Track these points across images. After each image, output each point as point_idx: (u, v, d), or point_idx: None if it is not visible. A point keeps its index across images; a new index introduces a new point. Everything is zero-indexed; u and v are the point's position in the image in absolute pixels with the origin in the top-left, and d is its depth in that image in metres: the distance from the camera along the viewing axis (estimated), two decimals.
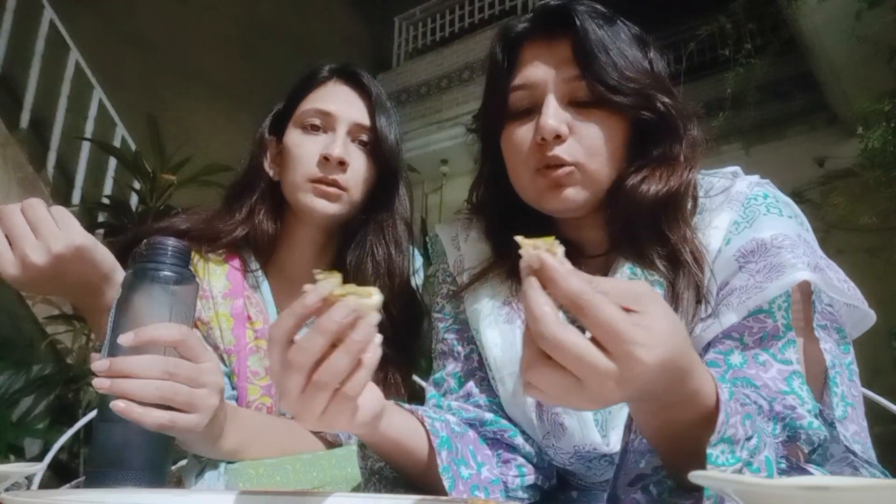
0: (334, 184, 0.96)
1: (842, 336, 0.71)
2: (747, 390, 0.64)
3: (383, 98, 1.03)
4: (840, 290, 0.66)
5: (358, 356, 0.47)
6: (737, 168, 0.80)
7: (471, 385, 0.82)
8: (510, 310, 0.81)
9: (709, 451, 0.49)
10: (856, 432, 0.64)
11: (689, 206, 0.75)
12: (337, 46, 6.88)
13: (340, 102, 1.00)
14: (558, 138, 0.72)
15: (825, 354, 0.66)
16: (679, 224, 0.73)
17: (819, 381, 0.67)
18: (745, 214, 0.72)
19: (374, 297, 0.48)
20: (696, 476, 0.38)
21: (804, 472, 0.59)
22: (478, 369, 0.83)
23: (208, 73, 5.87)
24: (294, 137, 1.00)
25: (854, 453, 0.63)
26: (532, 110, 0.76)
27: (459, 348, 0.85)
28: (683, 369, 0.46)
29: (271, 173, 1.03)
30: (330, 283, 0.47)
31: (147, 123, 4.00)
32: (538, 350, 0.42)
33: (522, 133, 0.76)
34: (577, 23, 0.72)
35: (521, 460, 0.76)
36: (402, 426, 0.64)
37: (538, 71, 0.75)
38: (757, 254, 0.68)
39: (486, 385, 0.81)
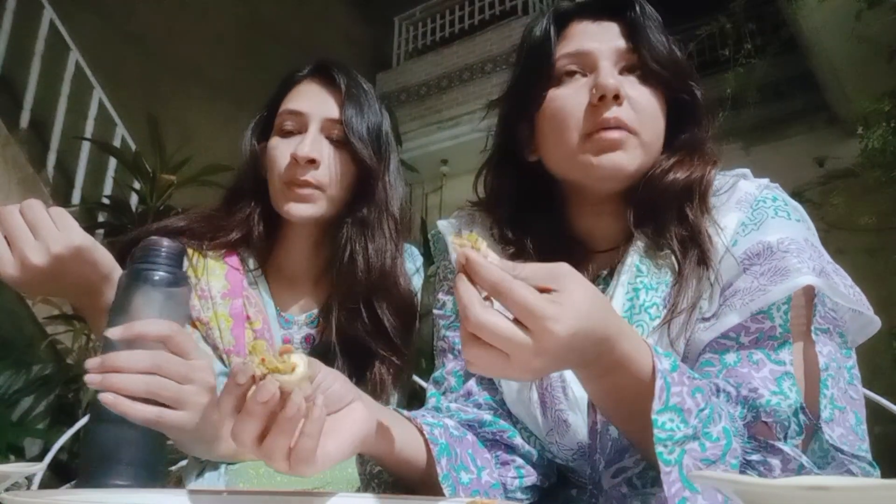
0: (307, 184, 0.95)
1: (843, 340, 0.70)
2: (716, 379, 0.65)
3: (354, 90, 1.00)
4: (845, 295, 0.66)
5: (293, 429, 0.48)
6: (746, 170, 0.80)
7: (471, 384, 0.82)
8: None
9: (654, 417, 0.53)
10: (842, 434, 0.64)
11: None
12: (337, 46, 6.88)
13: (310, 100, 0.99)
14: (617, 98, 0.73)
15: (819, 357, 0.66)
16: (700, 208, 0.75)
17: (818, 383, 0.68)
18: (753, 216, 0.72)
19: (297, 369, 0.47)
20: (695, 476, 0.38)
21: (774, 449, 0.60)
22: None
23: (208, 73, 5.87)
24: (272, 143, 1.00)
25: (840, 451, 0.63)
26: (581, 77, 0.77)
27: (460, 346, 0.85)
28: (606, 337, 0.51)
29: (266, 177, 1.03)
30: (252, 362, 0.47)
31: (147, 123, 4.00)
32: (469, 332, 0.49)
33: (573, 96, 0.76)
34: (637, 4, 0.77)
35: (519, 461, 0.76)
36: (399, 436, 0.63)
37: (590, 42, 0.77)
38: (762, 256, 0.68)
39: (487, 383, 0.81)
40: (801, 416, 0.63)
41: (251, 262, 1.03)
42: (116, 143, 4.56)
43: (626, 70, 0.77)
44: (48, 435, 3.41)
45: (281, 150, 0.97)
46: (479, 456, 0.71)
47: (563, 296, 0.48)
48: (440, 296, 0.90)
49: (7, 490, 0.47)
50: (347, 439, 0.53)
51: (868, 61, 3.71)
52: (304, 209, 0.96)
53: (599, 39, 0.77)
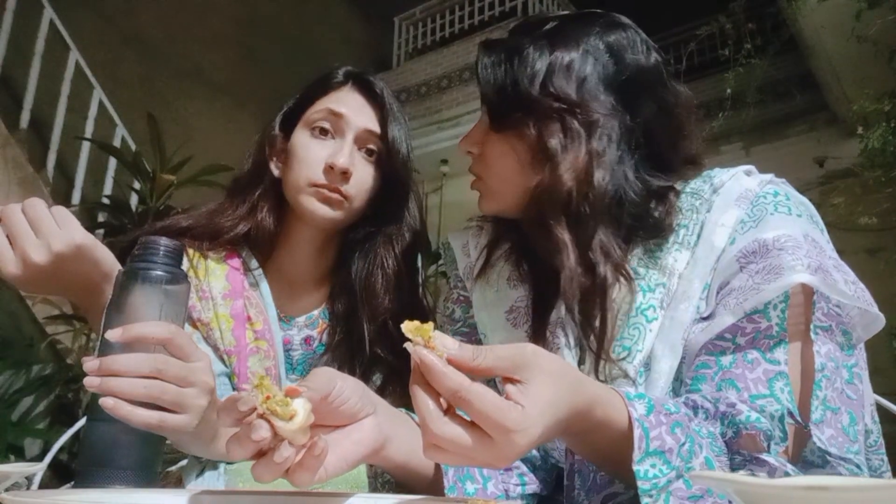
0: (336, 192, 0.95)
1: (847, 338, 0.69)
2: (694, 395, 0.65)
3: (396, 109, 1.01)
4: (844, 292, 0.65)
5: (282, 469, 0.48)
6: (751, 167, 0.79)
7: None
8: (517, 315, 0.81)
9: (635, 468, 0.54)
10: (832, 436, 0.63)
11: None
12: (337, 46, 6.88)
13: (352, 108, 0.99)
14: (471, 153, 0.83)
15: (816, 357, 0.65)
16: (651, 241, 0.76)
17: (812, 384, 0.67)
18: (752, 213, 0.72)
19: (295, 419, 0.47)
20: (695, 476, 0.38)
21: (759, 461, 0.60)
22: None
23: (208, 73, 5.87)
24: (301, 138, 0.99)
25: (828, 453, 0.62)
26: None
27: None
28: (576, 412, 0.51)
29: (276, 171, 1.02)
30: (255, 398, 0.46)
31: (147, 123, 4.00)
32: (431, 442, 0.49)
33: None
34: (477, 58, 0.79)
35: (523, 468, 0.76)
36: (408, 448, 0.63)
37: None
38: (758, 254, 0.68)
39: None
40: (788, 419, 0.62)
41: (252, 262, 1.02)
42: (116, 143, 4.57)
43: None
44: (48, 435, 3.41)
45: (313, 151, 0.97)
46: None
47: (528, 391, 0.47)
48: (449, 304, 0.91)
49: (7, 490, 0.47)
50: (348, 457, 0.54)
51: (868, 61, 3.71)
52: (326, 211, 0.95)
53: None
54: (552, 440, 0.54)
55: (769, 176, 0.77)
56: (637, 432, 0.54)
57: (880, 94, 3.46)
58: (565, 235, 0.72)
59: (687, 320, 0.71)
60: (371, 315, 0.99)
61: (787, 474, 0.60)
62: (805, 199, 0.76)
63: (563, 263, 0.71)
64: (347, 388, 0.54)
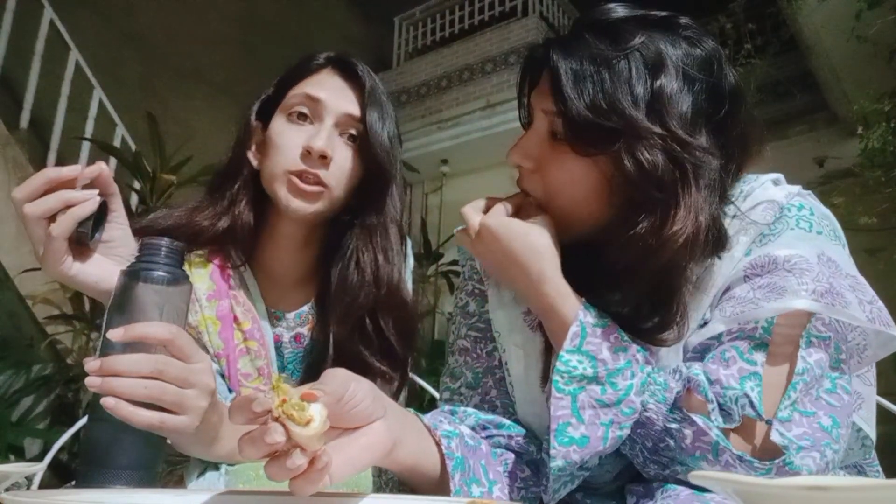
0: (315, 179, 0.90)
1: (837, 352, 0.67)
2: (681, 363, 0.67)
3: (378, 92, 0.96)
4: (853, 316, 0.64)
5: (295, 472, 0.47)
6: (779, 175, 0.77)
7: (489, 383, 0.82)
8: (535, 317, 0.80)
9: (560, 353, 0.61)
10: (805, 433, 0.61)
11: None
12: (336, 46, 6.82)
13: (331, 91, 0.94)
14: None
15: (800, 361, 0.64)
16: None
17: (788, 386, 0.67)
18: (773, 227, 0.71)
19: (312, 425, 0.46)
20: (695, 476, 0.38)
21: (690, 421, 0.62)
22: (497, 367, 0.83)
23: (208, 72, 5.88)
24: (278, 125, 0.94)
25: (786, 448, 0.60)
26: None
27: (481, 345, 0.85)
28: (526, 265, 0.67)
29: (254, 162, 0.97)
30: (271, 400, 0.46)
31: (147, 123, 4.00)
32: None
33: None
34: (553, 62, 0.69)
35: (528, 472, 0.76)
36: (416, 451, 0.63)
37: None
38: (766, 269, 0.68)
39: (504, 388, 0.82)
40: (749, 410, 0.61)
41: (236, 258, 0.98)
42: (116, 143, 4.56)
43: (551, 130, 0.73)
44: (48, 435, 3.41)
45: (290, 137, 0.92)
46: (491, 469, 0.71)
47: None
48: (463, 296, 0.89)
49: (7, 490, 0.47)
50: (356, 462, 0.53)
51: (868, 61, 3.72)
52: (304, 206, 0.91)
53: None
54: (510, 278, 0.71)
55: (797, 188, 0.75)
56: (574, 329, 0.59)
57: (880, 94, 3.46)
58: (675, 293, 0.68)
59: (693, 328, 0.71)
60: (343, 315, 0.94)
61: (716, 444, 0.60)
62: (829, 213, 0.75)
63: (669, 323, 0.68)
64: (361, 391, 0.53)
